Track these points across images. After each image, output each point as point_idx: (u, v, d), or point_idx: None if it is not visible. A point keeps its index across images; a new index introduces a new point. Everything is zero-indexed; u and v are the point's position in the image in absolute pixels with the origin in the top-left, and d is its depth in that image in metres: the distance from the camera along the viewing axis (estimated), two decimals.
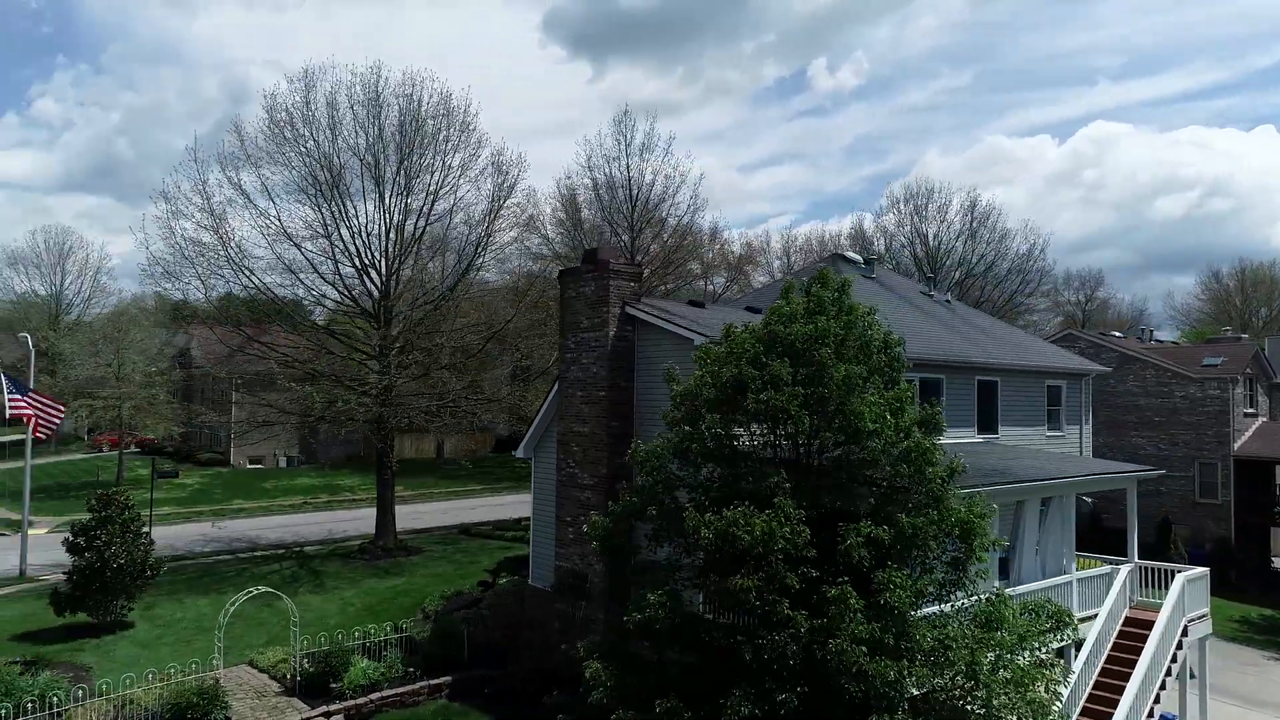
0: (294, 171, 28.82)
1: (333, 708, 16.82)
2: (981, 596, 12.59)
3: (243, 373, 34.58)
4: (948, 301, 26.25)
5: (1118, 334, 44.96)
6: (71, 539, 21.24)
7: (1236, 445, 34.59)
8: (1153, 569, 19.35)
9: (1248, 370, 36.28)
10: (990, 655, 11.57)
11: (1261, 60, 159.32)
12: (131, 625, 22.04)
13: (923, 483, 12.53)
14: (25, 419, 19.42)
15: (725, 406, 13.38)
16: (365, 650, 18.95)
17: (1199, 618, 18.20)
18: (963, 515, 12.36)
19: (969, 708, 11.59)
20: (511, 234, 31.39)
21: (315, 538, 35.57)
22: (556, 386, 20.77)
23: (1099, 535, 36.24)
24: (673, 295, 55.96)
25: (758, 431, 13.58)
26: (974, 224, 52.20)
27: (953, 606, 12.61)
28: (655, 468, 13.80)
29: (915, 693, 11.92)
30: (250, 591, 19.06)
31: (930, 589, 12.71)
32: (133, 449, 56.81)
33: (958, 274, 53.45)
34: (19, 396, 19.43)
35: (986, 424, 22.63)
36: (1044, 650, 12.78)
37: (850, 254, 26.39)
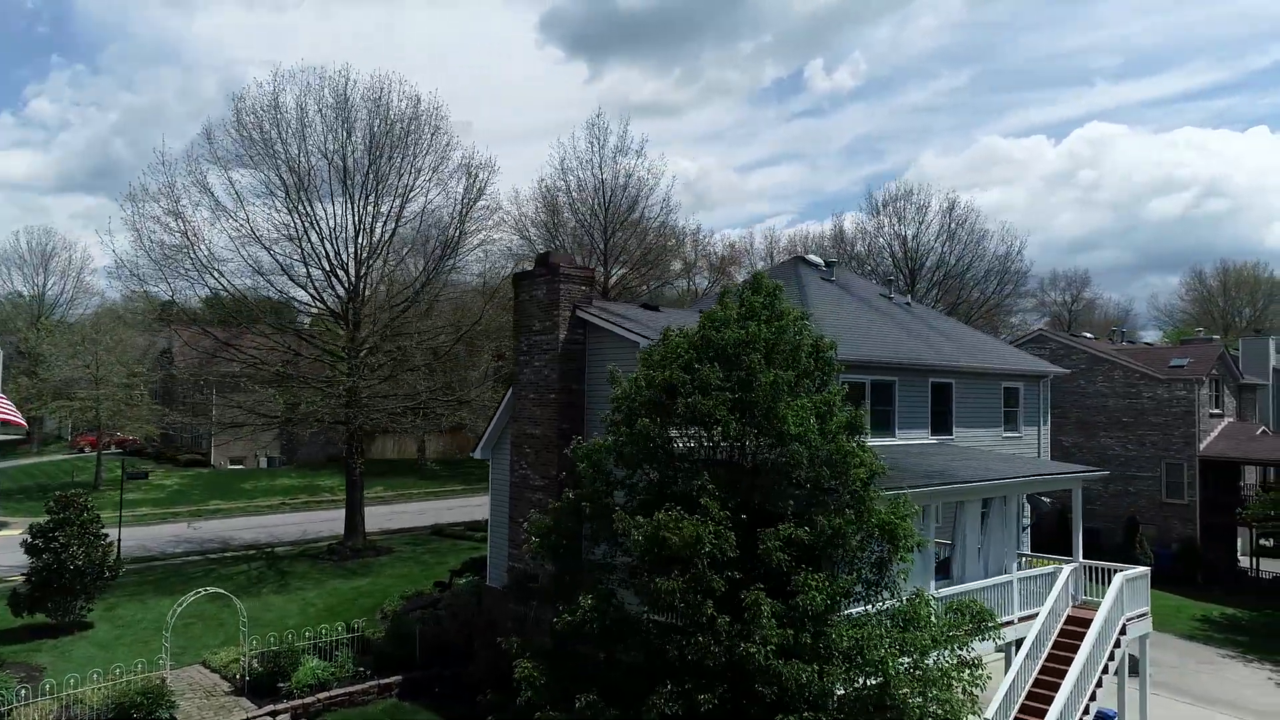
0: (262, 174, 29.01)
1: (279, 707, 17.00)
2: (904, 597, 12.81)
3: (213, 375, 34.61)
4: (908, 304, 26.48)
5: (1089, 335, 45.25)
6: (30, 540, 21.39)
7: (1202, 445, 34.89)
8: (1098, 569, 19.58)
9: (1214, 371, 36.58)
10: (905, 655, 11.77)
11: (1260, 61, 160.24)
12: (91, 626, 22.19)
13: (845, 485, 12.75)
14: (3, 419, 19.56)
15: (658, 410, 13.59)
16: (318, 650, 19.12)
17: (1138, 616, 18.44)
18: (884, 517, 12.58)
19: (885, 707, 11.78)
20: (479, 237, 31.57)
21: (289, 538, 35.71)
22: (511, 389, 20.98)
23: (1066, 535, 36.64)
24: (654, 295, 56.24)
25: (691, 435, 13.78)
26: (952, 225, 52.50)
27: (875, 608, 12.83)
28: (593, 465, 14.00)
29: (842, 691, 12.11)
30: (199, 592, 19.23)
31: (858, 589, 12.96)
32: (113, 450, 56.87)
33: (936, 275, 53.69)
34: None
35: (940, 425, 22.87)
36: (967, 650, 12.98)
37: (812, 257, 26.62)
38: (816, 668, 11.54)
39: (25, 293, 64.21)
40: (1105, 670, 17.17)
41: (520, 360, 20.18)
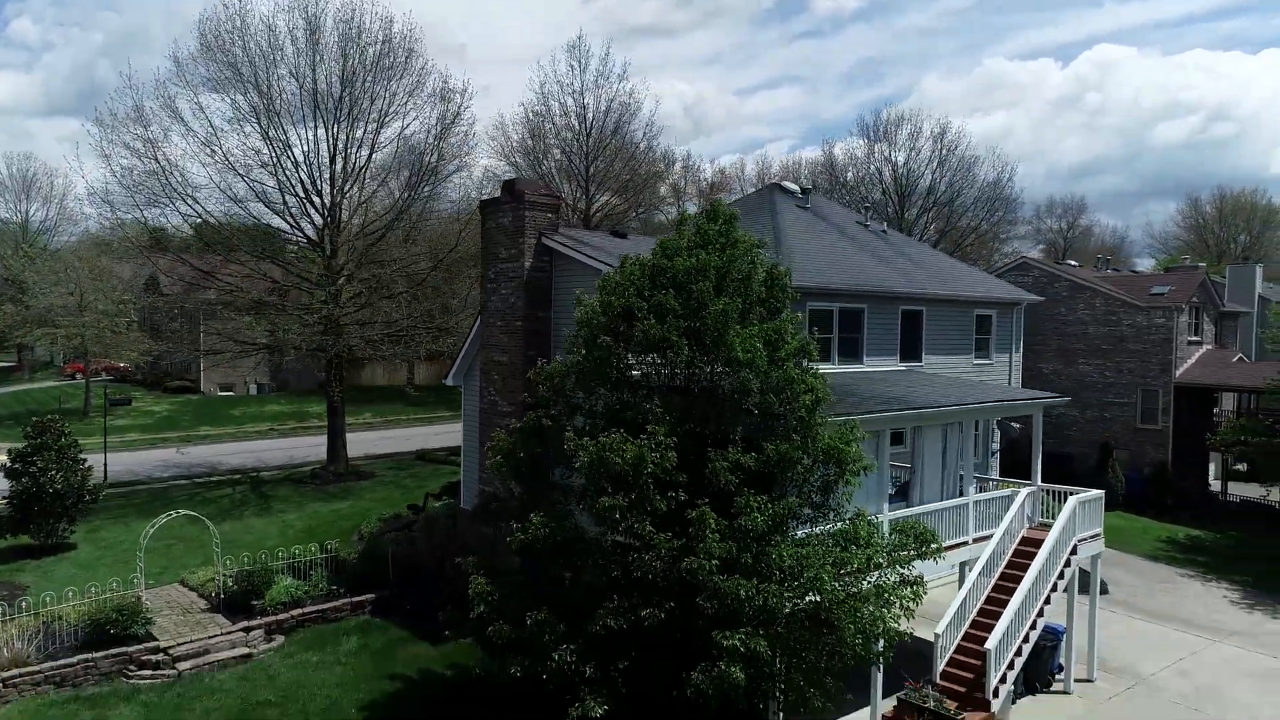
0: (231, 98, 28.49)
1: (253, 623, 17.58)
2: (849, 519, 13.14)
3: (192, 303, 34.57)
4: (884, 232, 26.38)
5: (1073, 263, 45.15)
6: (9, 465, 21.75)
7: (1179, 372, 35.18)
8: (1058, 492, 19.99)
9: (1194, 299, 36.64)
10: (842, 574, 12.13)
11: None
12: (74, 547, 22.74)
13: (792, 411, 12.95)
14: None
15: (614, 335, 13.72)
16: (294, 570, 19.66)
17: (1091, 537, 18.92)
18: (829, 442, 12.82)
19: (822, 622, 12.21)
20: (456, 163, 31.21)
21: (276, 463, 36.24)
22: (479, 316, 21.06)
23: (1042, 461, 37.20)
24: (642, 222, 55.83)
25: (648, 361, 13.92)
26: (943, 151, 51.81)
27: (823, 529, 13.17)
28: (553, 388, 14.21)
29: (788, 609, 12.45)
30: (172, 514, 19.66)
31: (806, 511, 13.30)
32: (103, 377, 57.21)
33: (926, 202, 53.26)
34: None
35: (910, 352, 23.05)
36: (909, 569, 13.38)
37: (788, 184, 26.38)
38: (756, 584, 11.92)
39: (8, 219, 63.61)
40: (1055, 588, 17.68)
41: (488, 288, 20.22)
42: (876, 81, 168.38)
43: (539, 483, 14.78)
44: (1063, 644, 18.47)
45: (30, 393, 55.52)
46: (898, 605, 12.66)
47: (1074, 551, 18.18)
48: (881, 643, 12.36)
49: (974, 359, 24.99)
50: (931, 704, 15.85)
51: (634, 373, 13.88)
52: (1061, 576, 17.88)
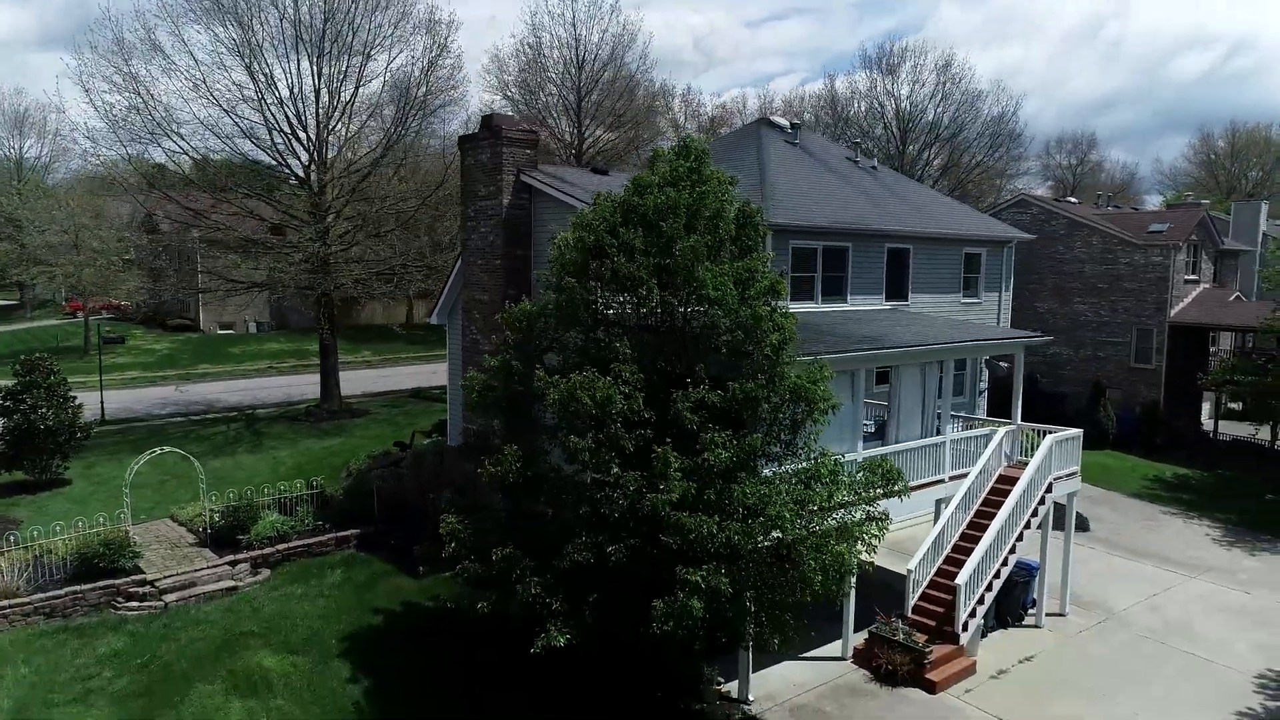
0: (211, 30, 27.95)
1: (239, 556, 17.96)
2: (814, 458, 13.24)
3: (179, 242, 34.43)
4: (874, 169, 25.97)
5: (1073, 200, 44.51)
6: (0, 402, 22.00)
7: (1174, 311, 34.96)
8: (1039, 431, 20.07)
9: (1193, 237, 36.19)
10: (801, 510, 12.27)
11: None
12: (69, 482, 23.12)
13: (759, 350, 12.95)
14: None
15: (584, 273, 13.67)
16: (281, 506, 20.00)
17: (1067, 475, 19.05)
18: (795, 381, 12.84)
19: (784, 558, 12.40)
20: (444, 98, 30.68)
21: (273, 401, 36.54)
22: (460, 255, 20.98)
23: (1030, 399, 37.29)
24: (641, 156, 55.04)
25: (619, 300, 13.88)
26: (946, 85, 50.72)
27: (790, 467, 13.28)
28: (524, 329, 14.23)
29: (750, 546, 12.59)
30: (154, 452, 19.92)
31: (775, 449, 13.40)
32: (103, 315, 57.41)
33: (929, 137, 52.34)
34: None
35: (895, 291, 22.93)
36: (874, 506, 13.53)
37: (777, 119, 25.90)
38: (718, 521, 12.07)
39: (4, 157, 63.09)
40: (1028, 525, 17.89)
41: (468, 226, 20.09)
42: (888, 12, 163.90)
43: (516, 420, 14.91)
44: (1036, 580, 18.77)
45: (31, 331, 55.82)
46: (859, 542, 12.85)
47: (1049, 489, 18.34)
48: (846, 579, 12.55)
49: (962, 298, 24.86)
50: (900, 637, 16.22)
51: (607, 311, 13.88)
52: (1035, 514, 18.08)
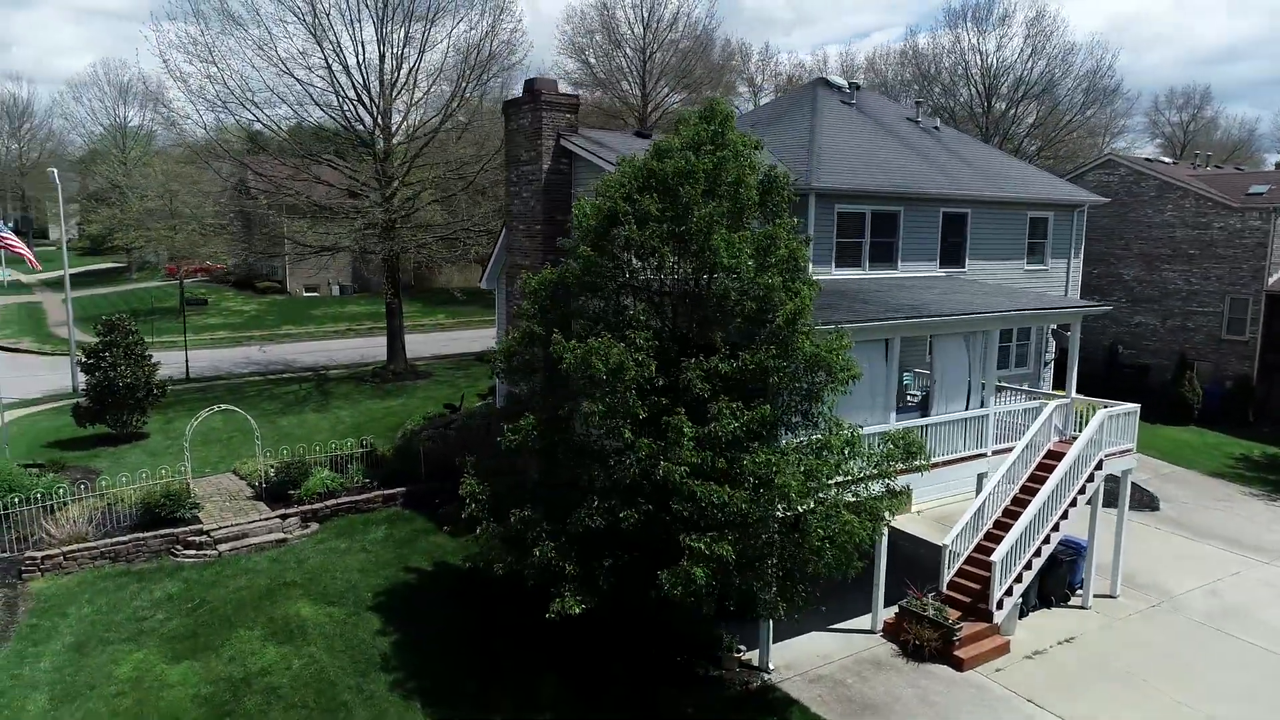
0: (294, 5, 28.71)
1: (289, 510, 18.84)
2: (832, 429, 13.03)
3: (248, 207, 35.64)
4: (936, 128, 24.92)
5: (1167, 160, 41.86)
6: (85, 360, 23.49)
7: (1272, 280, 32.70)
8: (1092, 406, 19.20)
9: None
10: (811, 482, 12.10)
11: None
12: (147, 436, 24.59)
13: (772, 319, 12.76)
14: (22, 255, 21.22)
15: (604, 240, 13.69)
16: (334, 463, 20.84)
17: (1121, 452, 18.18)
18: (809, 350, 12.62)
19: (794, 528, 12.30)
20: (501, 62, 30.82)
21: (346, 361, 37.91)
22: (505, 222, 21.21)
23: (1112, 371, 35.64)
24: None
25: (634, 266, 13.87)
26: (1036, 38, 48.10)
27: (807, 437, 13.11)
28: (544, 296, 14.36)
29: (758, 515, 12.52)
30: (214, 409, 20.95)
31: (795, 419, 13.24)
32: (199, 278, 60.37)
33: (1014, 94, 49.85)
34: (8, 236, 21.13)
35: (952, 257, 22.14)
36: (891, 480, 13.27)
37: (834, 79, 25.07)
38: (728, 490, 12.05)
39: (106, 124, 66.46)
40: (1074, 503, 17.24)
41: (510, 192, 20.29)
42: None
43: (541, 386, 15.12)
44: (1084, 559, 18.10)
45: (135, 293, 59.11)
46: (872, 516, 12.63)
47: (1099, 466, 17.57)
48: (854, 553, 12.36)
49: (1026, 265, 23.82)
50: (930, 612, 15.93)
51: (625, 278, 13.86)
52: (1083, 491, 17.38)
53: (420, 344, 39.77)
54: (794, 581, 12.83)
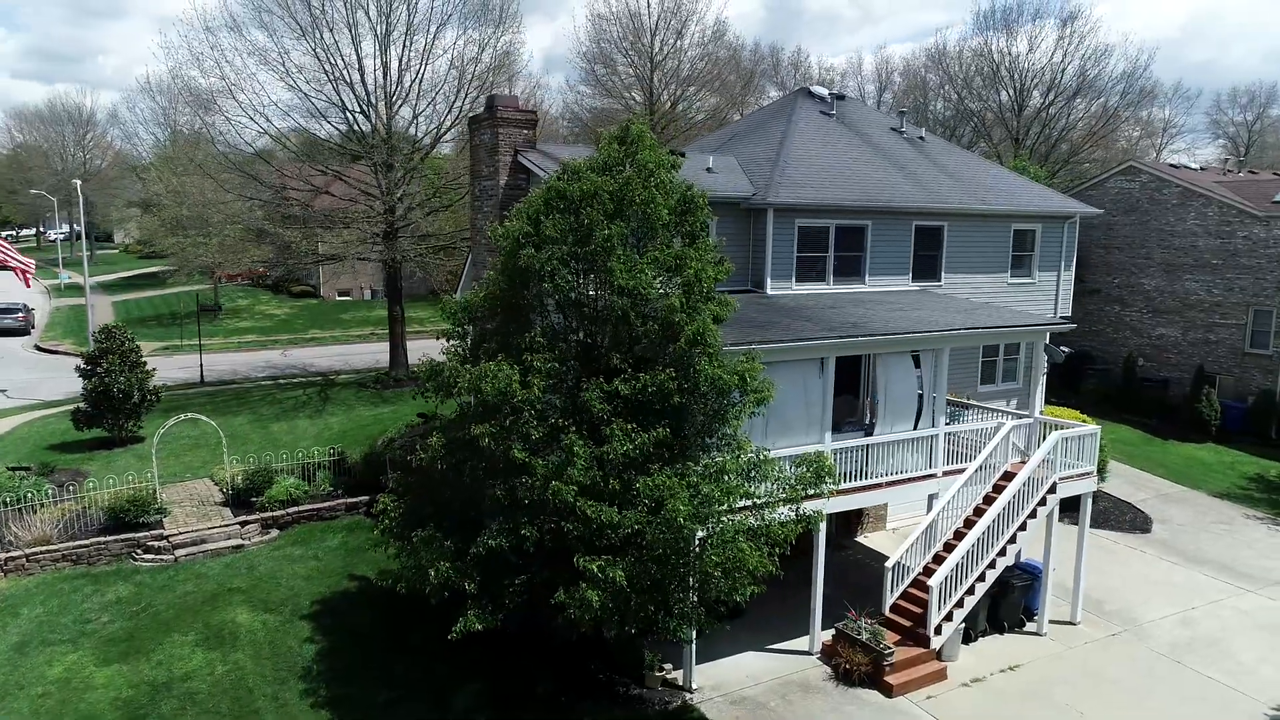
0: (294, 16, 29.54)
1: (250, 517, 19.39)
2: (733, 453, 12.92)
3: (271, 215, 36.66)
4: (921, 139, 24.42)
5: (1194, 166, 40.26)
6: (83, 367, 24.49)
7: None
8: (1055, 426, 18.62)
9: None
10: (704, 508, 12.01)
11: None
12: (142, 440, 25.50)
13: (673, 340, 12.72)
14: (15, 271, 22.28)
15: (511, 260, 13.81)
16: (303, 471, 21.36)
17: (1079, 475, 17.57)
18: (709, 373, 12.55)
19: (684, 553, 12.22)
20: (505, 74, 31.18)
21: (359, 366, 38.70)
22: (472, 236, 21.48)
23: (1129, 385, 34.40)
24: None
25: (529, 290, 13.84)
26: (1069, 40, 46.73)
27: (714, 460, 13.00)
28: (458, 319, 14.53)
29: (649, 537, 12.33)
30: (180, 418, 21.64)
31: (711, 440, 13.18)
32: (239, 281, 62.29)
33: (1049, 98, 48.51)
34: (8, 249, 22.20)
35: (926, 271, 21.71)
36: (798, 506, 13.10)
37: (817, 89, 24.73)
38: (619, 511, 12.05)
39: (158, 133, 68.84)
40: (1024, 527, 16.77)
41: (474, 207, 20.55)
42: None
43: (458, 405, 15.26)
44: (1041, 583, 17.57)
45: (178, 296, 61.26)
46: (770, 542, 12.49)
47: (1052, 490, 17.05)
48: (745, 578, 12.24)
49: (1010, 278, 23.21)
50: (865, 636, 15.67)
51: (528, 299, 13.85)
52: (1034, 515, 16.89)
53: (431, 349, 40.34)
54: (691, 606, 12.75)
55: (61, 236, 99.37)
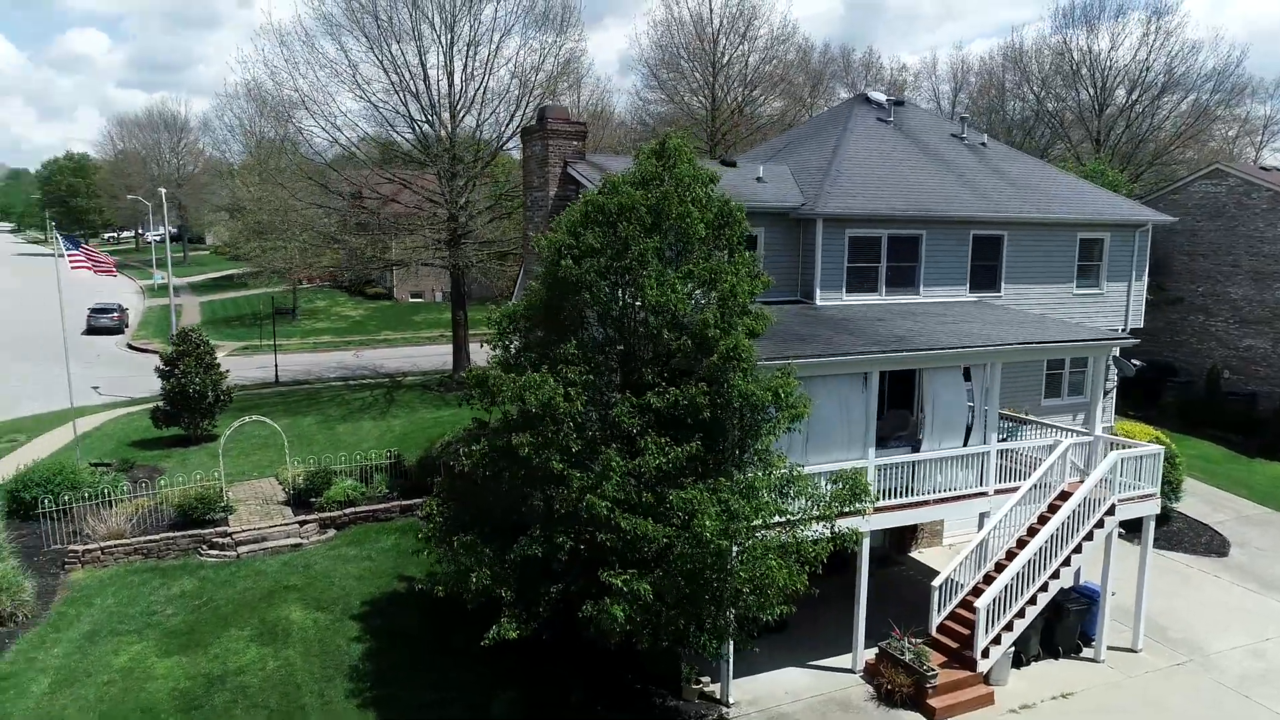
0: (362, 30, 30.53)
1: (309, 517, 20.09)
2: (765, 468, 12.85)
3: (346, 222, 37.95)
4: (982, 145, 23.75)
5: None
6: (162, 368, 25.74)
7: None
8: (1119, 444, 17.94)
9: None
10: (734, 524, 11.96)
11: None
12: (216, 438, 26.63)
13: (706, 355, 12.71)
14: (91, 268, 23.61)
15: (549, 273, 14.01)
16: (361, 473, 22.03)
17: (1141, 497, 16.86)
18: (742, 388, 12.50)
19: (713, 568, 12.19)
20: (565, 83, 31.60)
21: (427, 368, 39.66)
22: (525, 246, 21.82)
23: (1215, 399, 32.75)
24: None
25: (569, 301, 13.98)
26: (1154, 36, 44.83)
27: (742, 475, 12.94)
28: (503, 329, 14.79)
29: (678, 550, 12.25)
30: (247, 419, 22.51)
31: (740, 455, 13.14)
32: (319, 283, 64.44)
33: (1133, 96, 46.61)
34: (75, 251, 23.49)
35: (984, 281, 21.16)
36: (830, 523, 12.95)
37: (874, 94, 24.29)
38: (651, 524, 12.11)
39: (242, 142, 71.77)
40: (1079, 549, 16.21)
41: (526, 217, 20.89)
42: None
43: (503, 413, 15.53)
44: (1098, 607, 16.94)
45: (259, 297, 63.76)
46: (800, 560, 12.38)
47: (1110, 512, 16.42)
48: (778, 597, 12.15)
49: (1076, 288, 22.42)
50: (908, 656, 15.37)
51: (575, 312, 13.99)
52: (1090, 538, 16.30)
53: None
54: (725, 621, 12.72)
55: (158, 239, 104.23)
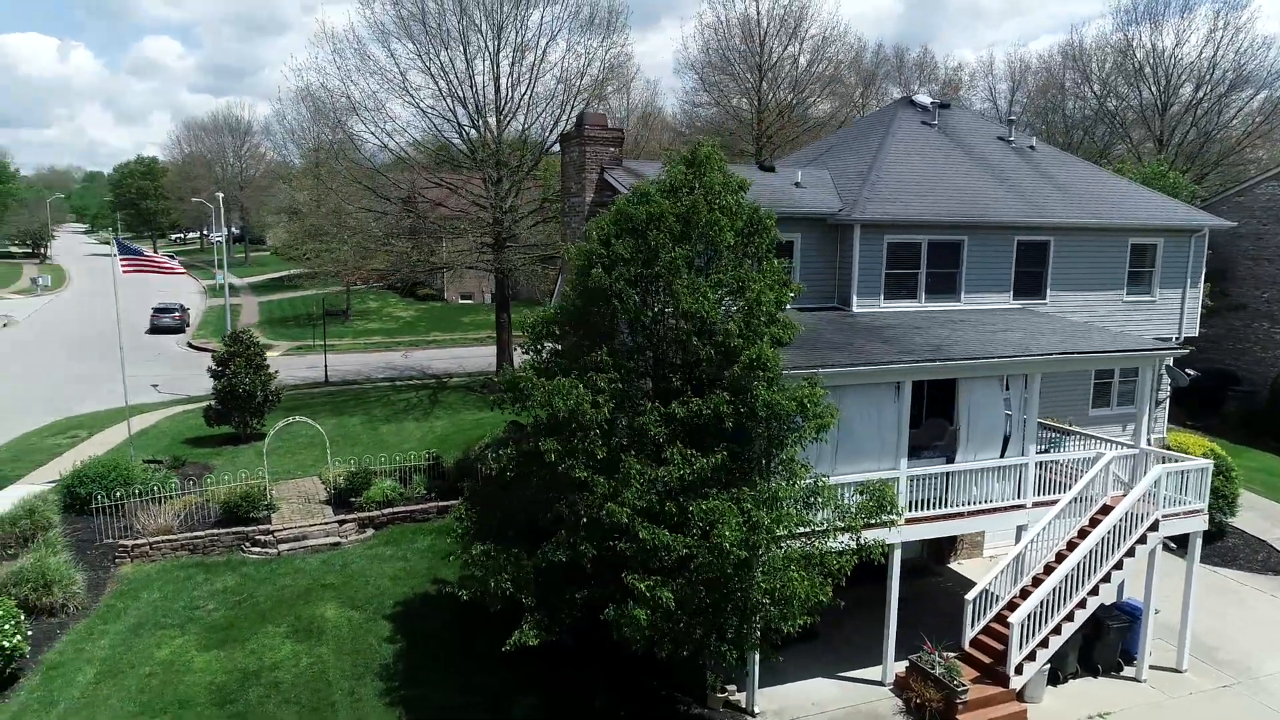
0: (410, 36, 31.09)
1: (348, 516, 20.52)
2: (789, 479, 12.75)
3: (398, 223, 38.61)
4: (1031, 148, 23.17)
5: None
6: (214, 368, 26.52)
7: None
8: (1167, 458, 17.39)
9: None
10: (755, 535, 11.88)
11: None
12: (264, 436, 27.30)
13: (730, 364, 12.67)
14: (140, 271, 24.54)
15: (580, 280, 14.10)
16: (400, 474, 22.42)
17: (1186, 513, 16.28)
18: (766, 398, 12.42)
19: (732, 579, 12.13)
20: (612, 86, 31.73)
21: (472, 369, 40.21)
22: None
23: (1274, 411, 31.46)
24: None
25: (595, 309, 14.03)
26: (1223, 31, 43.27)
27: (771, 485, 12.87)
28: (536, 334, 14.94)
29: (699, 560, 12.23)
30: (291, 420, 23.03)
31: (773, 466, 13.07)
32: (373, 284, 65.62)
33: (1199, 94, 45.05)
34: (128, 257, 24.38)
35: (1029, 288, 20.68)
36: (855, 535, 12.80)
37: (920, 98, 23.87)
38: (670, 534, 12.11)
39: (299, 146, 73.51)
40: (1120, 565, 15.74)
41: (563, 222, 21.03)
42: None
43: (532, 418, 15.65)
44: (1141, 625, 16.44)
45: (314, 298, 65.22)
46: (824, 572, 12.25)
47: (1154, 527, 15.92)
48: (799, 609, 12.04)
49: (1126, 295, 21.77)
50: (938, 671, 15.10)
51: (595, 315, 14.04)
52: (1131, 554, 15.82)
53: None
54: (747, 630, 12.65)
55: (220, 240, 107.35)
